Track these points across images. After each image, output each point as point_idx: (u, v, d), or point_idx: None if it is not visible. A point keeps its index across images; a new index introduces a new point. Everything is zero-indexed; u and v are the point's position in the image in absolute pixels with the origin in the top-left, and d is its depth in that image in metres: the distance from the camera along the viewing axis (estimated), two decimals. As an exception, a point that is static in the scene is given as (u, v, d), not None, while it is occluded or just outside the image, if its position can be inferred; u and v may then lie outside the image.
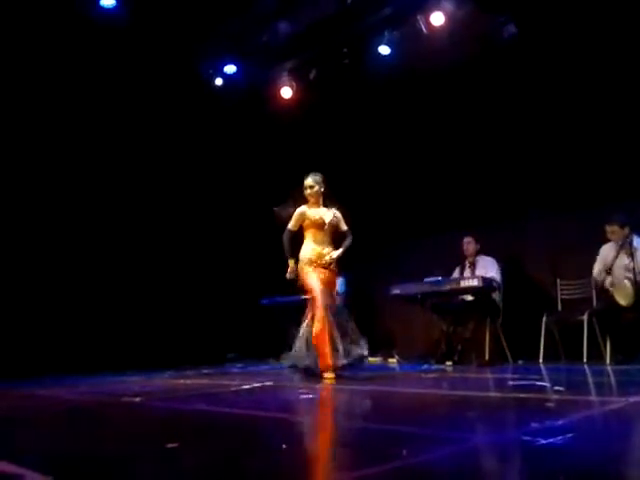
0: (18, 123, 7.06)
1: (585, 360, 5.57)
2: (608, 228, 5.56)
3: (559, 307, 6.30)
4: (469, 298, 6.30)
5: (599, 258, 5.69)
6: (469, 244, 6.64)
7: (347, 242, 5.21)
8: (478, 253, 6.60)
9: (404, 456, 1.87)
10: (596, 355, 5.57)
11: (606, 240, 5.67)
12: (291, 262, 5.05)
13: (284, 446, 2.22)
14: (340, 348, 4.71)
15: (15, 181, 7.02)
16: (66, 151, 7.37)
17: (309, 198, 5.17)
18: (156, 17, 6.87)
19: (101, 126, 7.67)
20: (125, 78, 7.51)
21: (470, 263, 6.60)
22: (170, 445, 2.19)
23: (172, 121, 8.11)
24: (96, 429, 2.88)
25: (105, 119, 7.67)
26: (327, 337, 4.69)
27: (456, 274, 6.63)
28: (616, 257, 5.41)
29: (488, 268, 6.34)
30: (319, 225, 5.10)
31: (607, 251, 5.61)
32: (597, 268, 5.66)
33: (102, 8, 6.63)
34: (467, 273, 6.51)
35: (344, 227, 5.25)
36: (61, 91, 7.23)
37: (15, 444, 2.49)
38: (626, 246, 5.37)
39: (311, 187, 5.16)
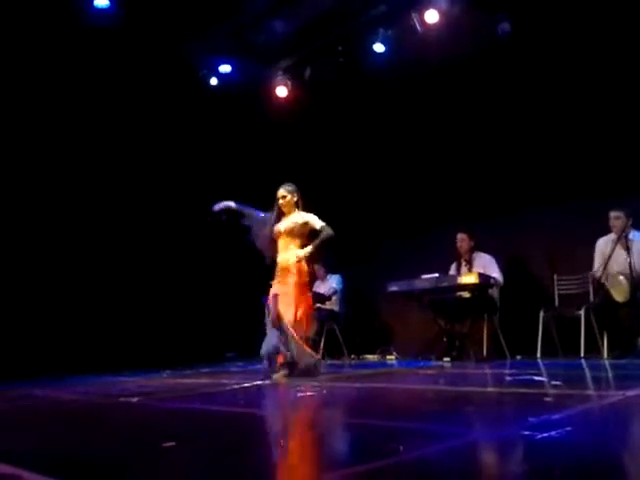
0: (12, 121, 7.04)
1: (582, 355, 5.57)
2: (612, 214, 5.50)
3: (556, 302, 6.31)
4: (466, 295, 6.29)
5: (597, 252, 5.67)
6: (463, 241, 6.57)
7: (318, 240, 5.14)
8: (474, 250, 6.56)
9: (401, 452, 1.86)
10: (593, 350, 5.58)
11: (602, 234, 5.67)
12: None
13: (281, 443, 2.22)
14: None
15: (8, 183, 7.01)
16: (62, 150, 7.37)
17: (282, 209, 5.28)
18: (150, 17, 6.86)
19: (97, 127, 7.67)
20: (120, 78, 7.49)
21: (466, 260, 6.55)
22: (167, 444, 2.18)
23: (167, 121, 8.10)
24: (93, 429, 2.87)
25: (100, 120, 7.67)
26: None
27: (452, 271, 6.61)
28: (612, 251, 5.39)
29: (488, 267, 6.30)
30: (279, 235, 5.24)
31: (604, 245, 5.60)
32: (597, 263, 5.64)
33: (96, 8, 6.62)
34: (464, 270, 6.46)
35: (317, 226, 5.18)
36: (56, 91, 7.22)
37: (13, 445, 2.49)
38: (622, 239, 5.37)
39: (283, 197, 5.27)
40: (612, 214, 5.51)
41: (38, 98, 7.14)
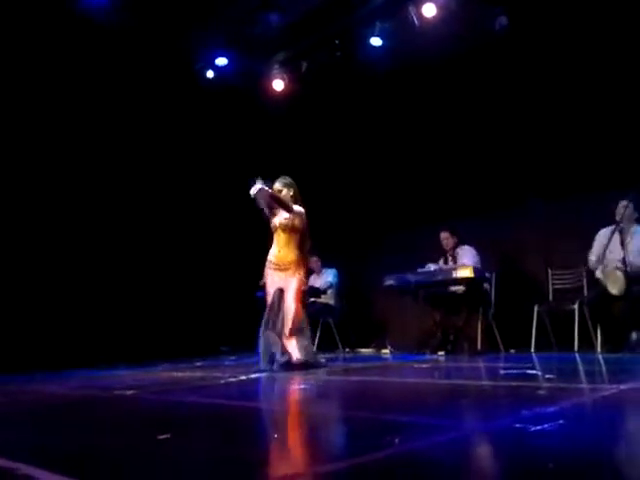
0: (5, 110, 7.00)
1: (576, 349, 5.60)
2: (622, 202, 5.35)
3: (550, 297, 6.33)
4: (460, 290, 6.29)
5: (597, 242, 5.62)
6: (447, 239, 6.59)
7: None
8: (457, 245, 6.56)
9: (396, 444, 1.87)
10: (587, 344, 5.60)
11: (598, 228, 5.65)
12: None
13: (275, 435, 2.22)
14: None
15: (6, 176, 6.98)
16: (57, 142, 7.32)
17: None
18: (146, 10, 6.82)
19: (93, 120, 7.62)
20: (116, 72, 7.45)
21: (452, 256, 6.56)
22: (162, 437, 2.19)
23: (163, 114, 8.06)
24: (88, 423, 2.87)
25: (96, 113, 7.62)
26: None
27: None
28: (608, 244, 5.37)
29: (466, 257, 6.33)
30: (275, 229, 5.22)
31: (604, 236, 5.56)
32: (595, 251, 5.59)
33: (91, 2, 6.58)
34: (450, 265, 6.48)
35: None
36: (51, 85, 7.17)
37: (9, 439, 2.49)
38: (617, 231, 5.32)
39: (279, 192, 5.22)
40: (621, 202, 5.37)
41: (33, 92, 7.08)
